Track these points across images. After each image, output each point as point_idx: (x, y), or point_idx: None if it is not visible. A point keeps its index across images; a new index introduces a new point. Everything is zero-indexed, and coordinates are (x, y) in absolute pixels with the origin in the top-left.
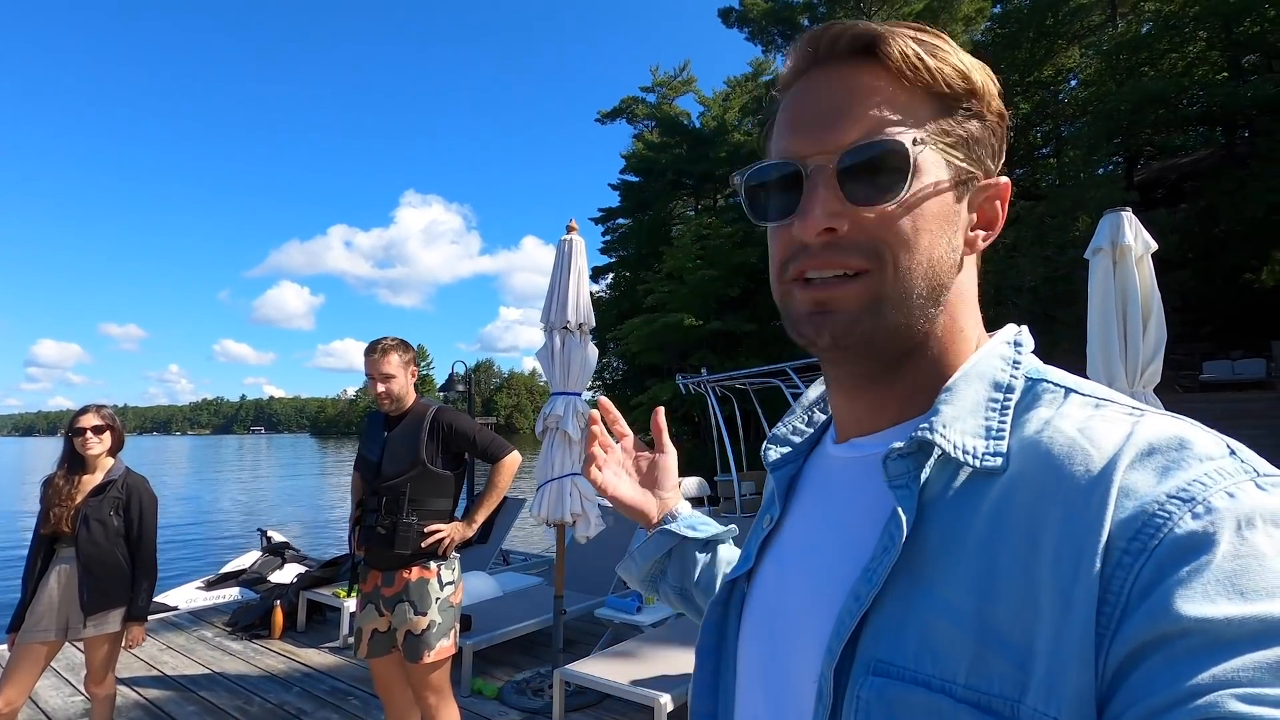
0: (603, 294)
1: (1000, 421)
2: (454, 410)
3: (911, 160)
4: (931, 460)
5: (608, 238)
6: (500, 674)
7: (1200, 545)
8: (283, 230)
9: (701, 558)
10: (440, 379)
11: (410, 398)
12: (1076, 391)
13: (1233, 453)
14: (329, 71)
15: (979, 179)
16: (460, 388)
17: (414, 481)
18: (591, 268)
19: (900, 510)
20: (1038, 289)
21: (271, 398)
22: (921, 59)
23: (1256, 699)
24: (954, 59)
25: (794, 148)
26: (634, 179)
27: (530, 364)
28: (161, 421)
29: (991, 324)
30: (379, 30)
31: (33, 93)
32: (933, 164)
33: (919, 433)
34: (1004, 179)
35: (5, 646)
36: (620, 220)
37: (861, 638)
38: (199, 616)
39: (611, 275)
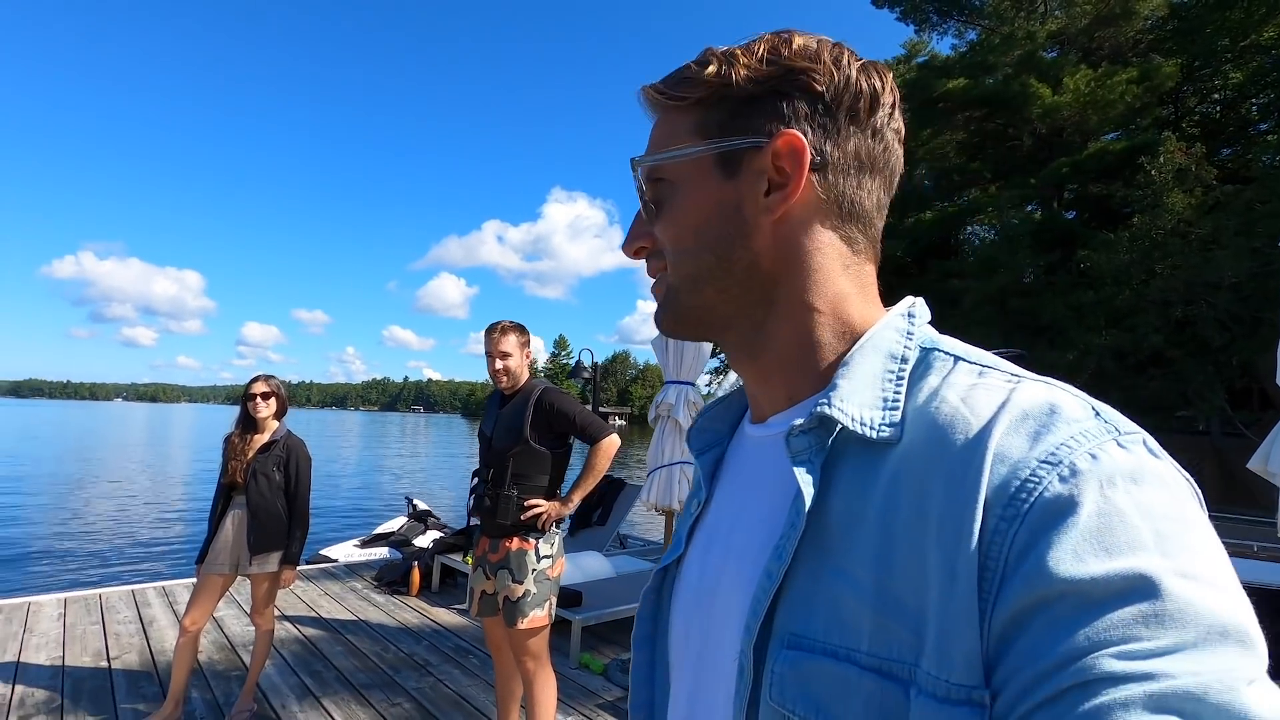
0: None
1: (896, 392)
2: (559, 390)
3: (639, 179)
4: (833, 435)
5: None
6: (608, 651)
7: (1067, 507)
8: (443, 226)
9: None
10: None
11: (524, 377)
12: (964, 359)
13: (1097, 414)
14: (484, 74)
15: (759, 145)
16: (586, 375)
17: (517, 457)
18: None
19: (802, 486)
20: (1241, 286)
21: (430, 380)
22: (670, 92)
23: (1130, 654)
24: (696, 72)
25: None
26: None
27: None
28: (339, 397)
29: (1180, 326)
30: (528, 34)
31: (239, 111)
32: (681, 164)
33: (819, 408)
34: (782, 135)
35: (195, 577)
36: None
37: (776, 613)
38: (352, 570)
39: None
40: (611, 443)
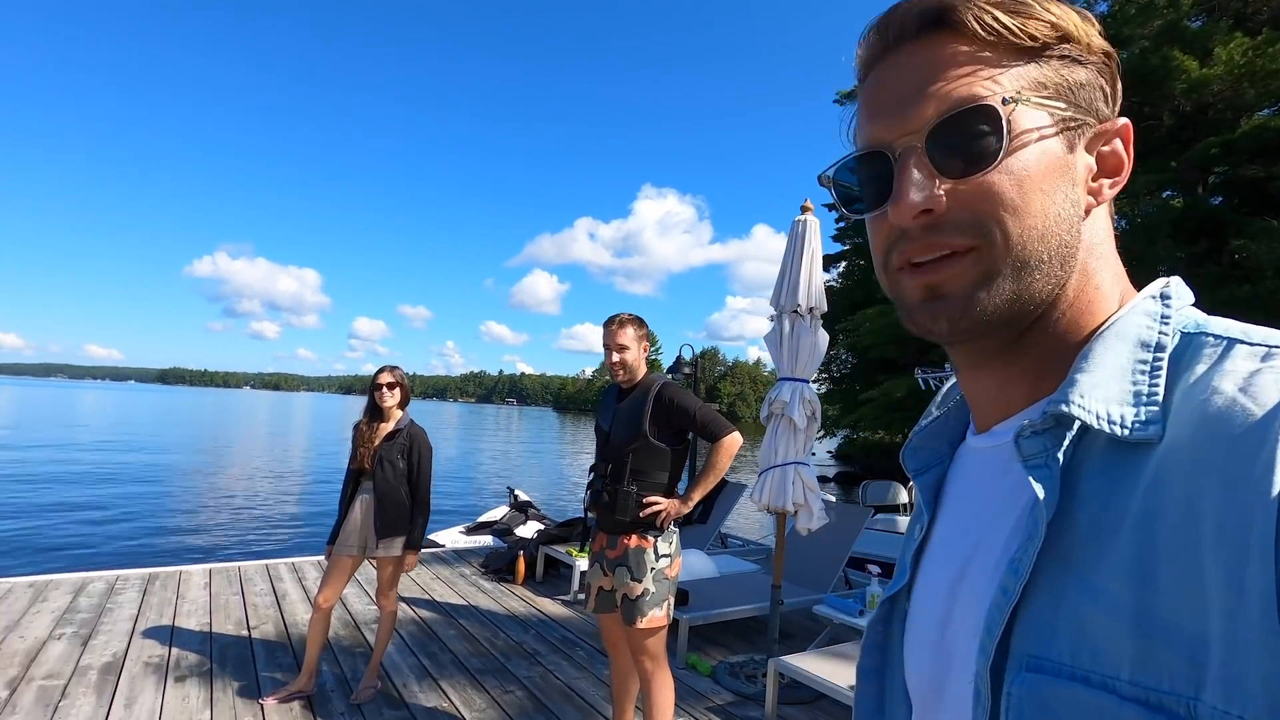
0: (834, 283)
1: (1152, 385)
2: (678, 386)
3: (1004, 120)
4: (1071, 434)
5: (842, 224)
6: (714, 652)
7: None
8: (537, 224)
9: None
10: (667, 364)
11: (641, 371)
12: (1242, 341)
13: None
14: (576, 73)
15: (1092, 125)
16: (686, 371)
17: (636, 452)
18: (823, 256)
19: (1039, 492)
20: None
21: (523, 374)
22: (999, 18)
23: None
24: (1039, 10)
25: (877, 134)
26: None
27: (755, 353)
28: (439, 389)
29: None
30: (617, 32)
31: (354, 118)
32: (1031, 119)
33: (1051, 405)
34: (1122, 120)
35: (324, 556)
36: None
37: (1014, 633)
38: (461, 555)
39: (844, 263)
40: (734, 440)
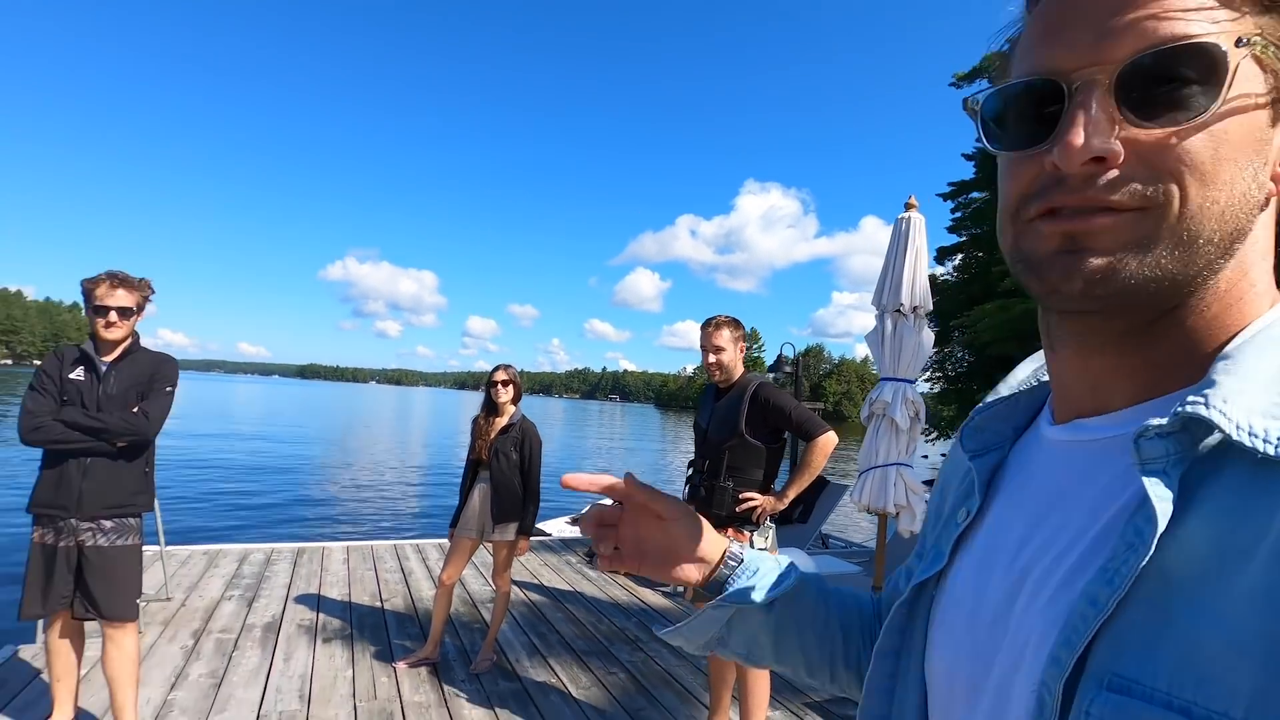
0: (949, 277)
1: None
2: (774, 386)
3: (1231, 67)
4: (1202, 443)
5: (958, 214)
6: None
7: None
8: (639, 222)
9: (766, 620)
10: (770, 362)
11: (738, 371)
12: None
13: None
14: (677, 69)
15: None
16: (787, 369)
17: (732, 450)
18: (937, 248)
19: (1155, 500)
20: None
21: (625, 371)
22: None
23: None
24: None
25: (1055, 60)
26: None
27: (862, 351)
28: (545, 385)
29: None
30: (718, 27)
31: (466, 124)
32: (1250, 74)
33: (1188, 407)
34: None
35: (447, 539)
36: (974, 194)
37: (1095, 648)
38: (567, 544)
39: (960, 256)
40: (829, 440)
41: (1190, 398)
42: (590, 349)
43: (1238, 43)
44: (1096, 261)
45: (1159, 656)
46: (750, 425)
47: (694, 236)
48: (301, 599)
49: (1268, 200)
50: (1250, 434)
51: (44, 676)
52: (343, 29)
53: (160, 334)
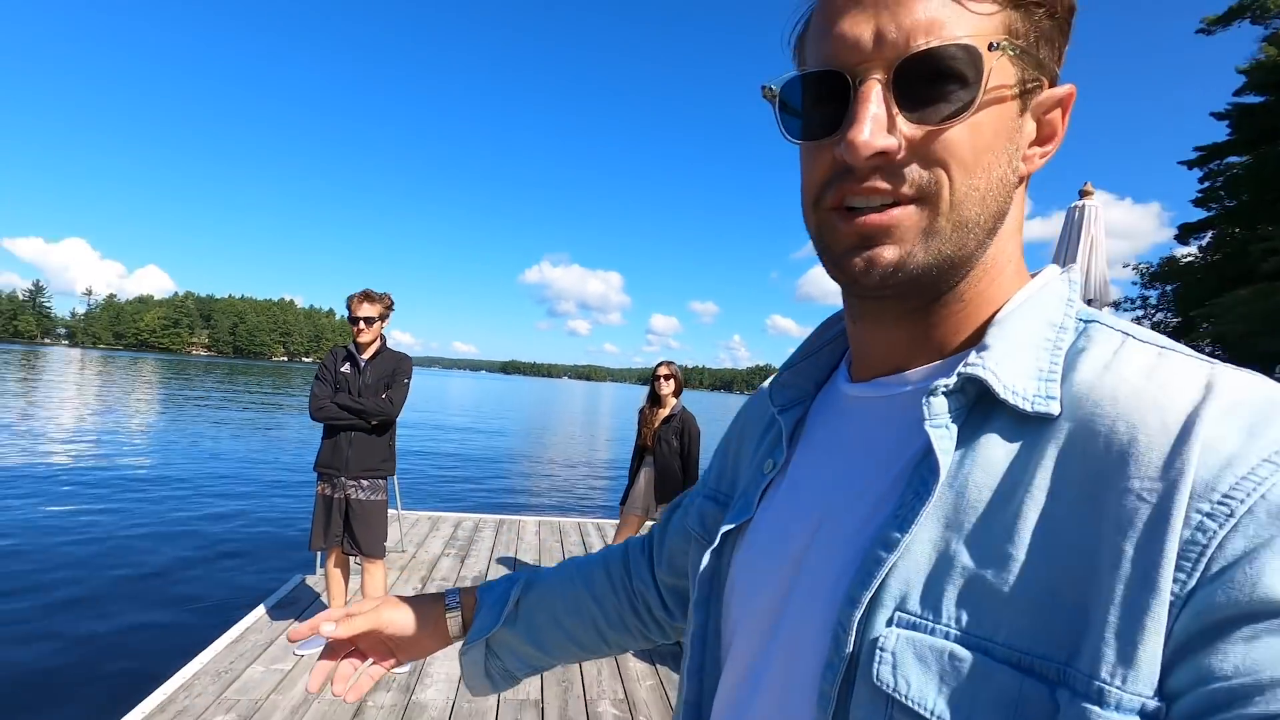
0: (1193, 258)
1: (1053, 362)
2: None
3: (986, 69)
4: (974, 399)
5: (1206, 184)
6: None
7: None
8: None
9: (517, 632)
10: None
11: None
12: (1133, 336)
13: None
14: None
15: (1044, 86)
16: None
17: None
18: (1179, 225)
19: (938, 452)
20: None
21: None
22: None
23: None
24: None
25: (839, 53)
26: (1255, 100)
27: None
28: (726, 381)
29: None
30: None
31: (642, 127)
32: (1003, 70)
33: (967, 368)
34: (1068, 86)
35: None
36: (1230, 159)
37: (886, 586)
38: None
39: (1210, 233)
40: None
41: (969, 360)
42: (772, 345)
43: (990, 46)
44: (889, 255)
45: (938, 591)
46: None
47: None
48: (502, 560)
49: (1021, 180)
50: (1014, 393)
51: (323, 598)
52: (540, 54)
53: (393, 334)
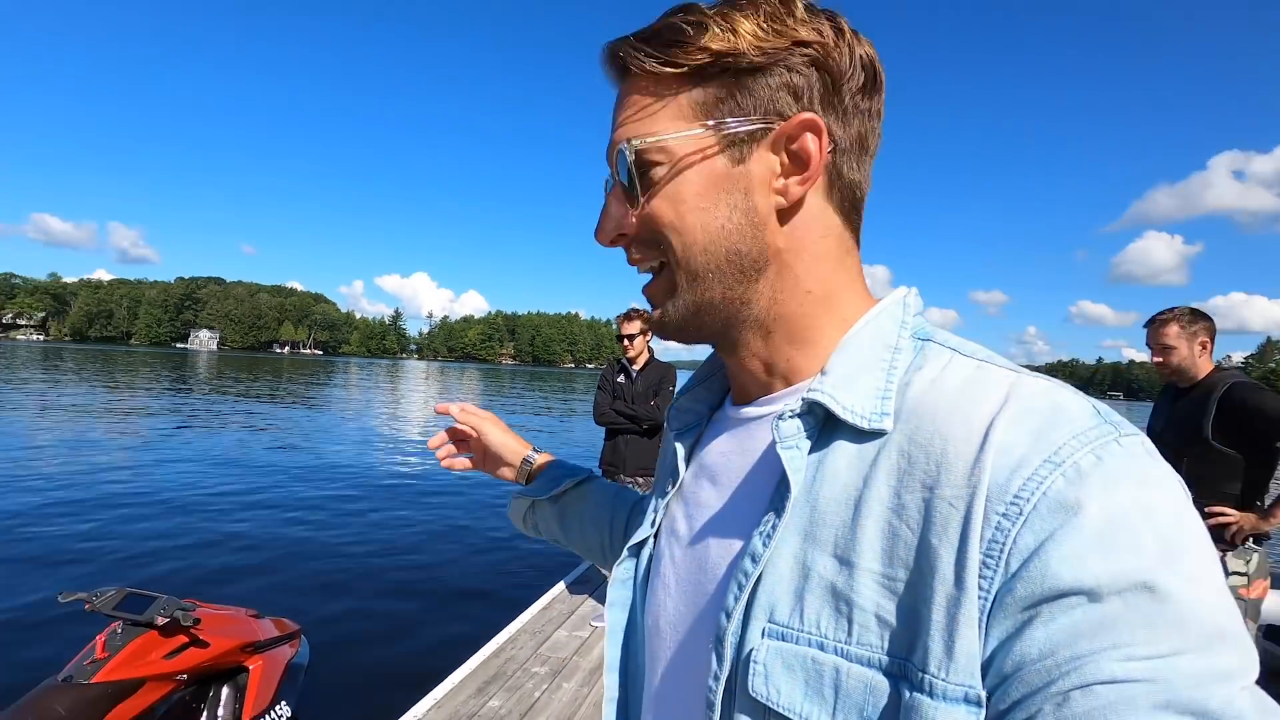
0: None
1: (888, 382)
2: (1255, 386)
3: (630, 160)
4: (822, 420)
5: None
6: None
7: (1071, 508)
8: (1145, 177)
9: (553, 509)
10: None
11: (1198, 370)
12: (959, 352)
13: (1098, 413)
14: None
15: (772, 126)
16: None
17: (1193, 458)
18: None
19: (789, 472)
20: None
21: (1131, 361)
22: (652, 56)
23: (1133, 656)
24: (700, 35)
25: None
26: None
27: None
28: None
29: None
30: None
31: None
32: (681, 145)
33: (809, 394)
34: (805, 115)
35: None
36: None
37: (757, 600)
38: None
39: None
40: None
41: (811, 385)
42: (1079, 336)
43: (629, 141)
44: (655, 314)
45: (798, 602)
46: (1220, 431)
47: (1240, 179)
48: None
49: (782, 214)
50: (852, 412)
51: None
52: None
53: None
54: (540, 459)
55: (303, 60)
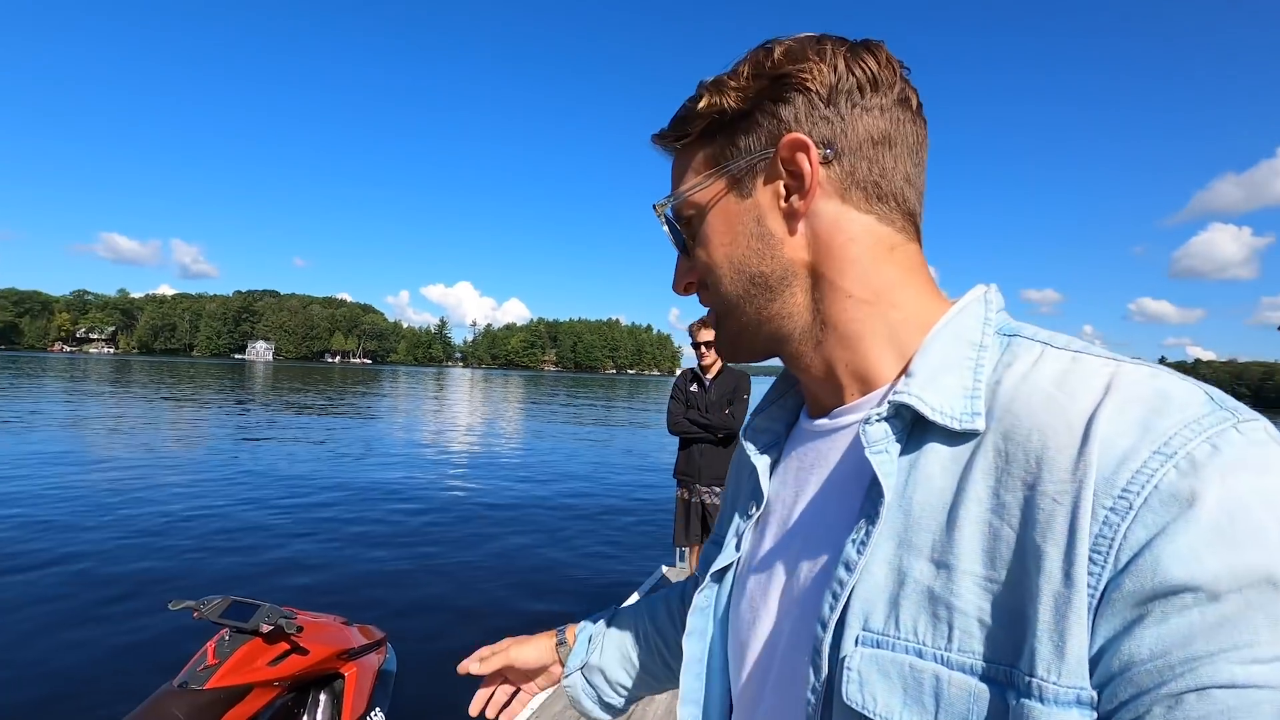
0: None
1: (976, 380)
2: None
3: (663, 219)
4: (910, 423)
5: None
6: None
7: (1185, 500)
8: (1210, 166)
9: (601, 667)
10: None
11: None
12: (1051, 345)
13: (1211, 399)
14: None
15: (769, 156)
16: None
17: None
18: None
19: (881, 476)
20: None
21: (1197, 360)
22: (666, 134)
23: (1255, 659)
24: (702, 101)
25: None
26: None
27: None
28: None
29: None
30: None
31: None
32: (699, 195)
33: (895, 396)
34: (789, 136)
35: None
36: None
37: (851, 608)
38: None
39: None
40: None
41: (897, 388)
42: (1140, 334)
43: (655, 208)
44: (719, 339)
45: (895, 609)
46: None
47: None
48: None
49: (795, 233)
50: (941, 413)
51: None
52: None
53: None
54: (570, 633)
55: (348, 76)
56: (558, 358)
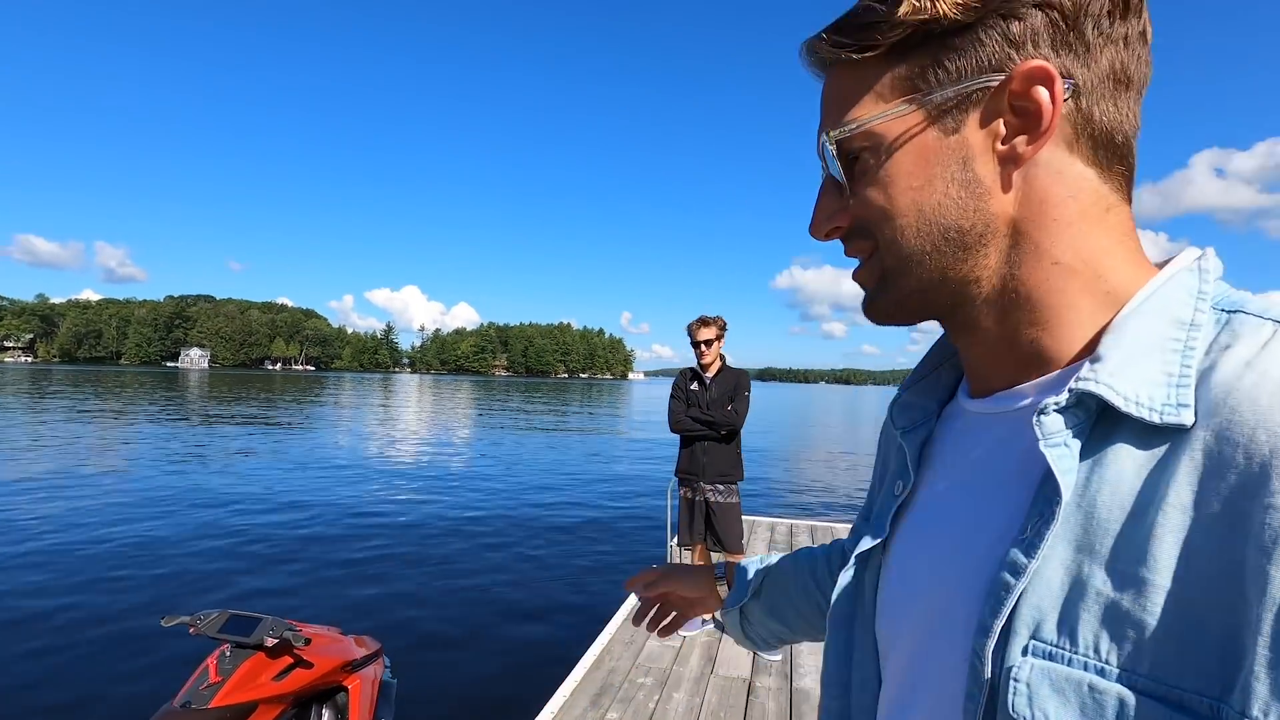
0: None
1: (1185, 366)
2: None
3: (844, 147)
4: (1096, 414)
5: None
6: None
7: None
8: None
9: (760, 607)
10: None
11: None
12: None
13: None
14: None
15: (989, 86)
16: None
17: None
18: None
19: (1058, 474)
20: None
21: None
22: (854, 42)
23: None
24: (902, 5)
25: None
26: None
27: None
28: None
29: None
30: None
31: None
32: (885, 127)
33: (1079, 383)
34: (1029, 63)
35: None
36: None
37: (1019, 614)
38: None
39: None
40: None
41: (1082, 373)
42: None
43: (827, 136)
44: (866, 300)
45: (1073, 620)
46: None
47: (1220, 176)
48: None
49: (1009, 181)
50: (1138, 403)
51: None
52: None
53: (653, 348)
54: (730, 571)
55: (286, 72)
56: (509, 362)
